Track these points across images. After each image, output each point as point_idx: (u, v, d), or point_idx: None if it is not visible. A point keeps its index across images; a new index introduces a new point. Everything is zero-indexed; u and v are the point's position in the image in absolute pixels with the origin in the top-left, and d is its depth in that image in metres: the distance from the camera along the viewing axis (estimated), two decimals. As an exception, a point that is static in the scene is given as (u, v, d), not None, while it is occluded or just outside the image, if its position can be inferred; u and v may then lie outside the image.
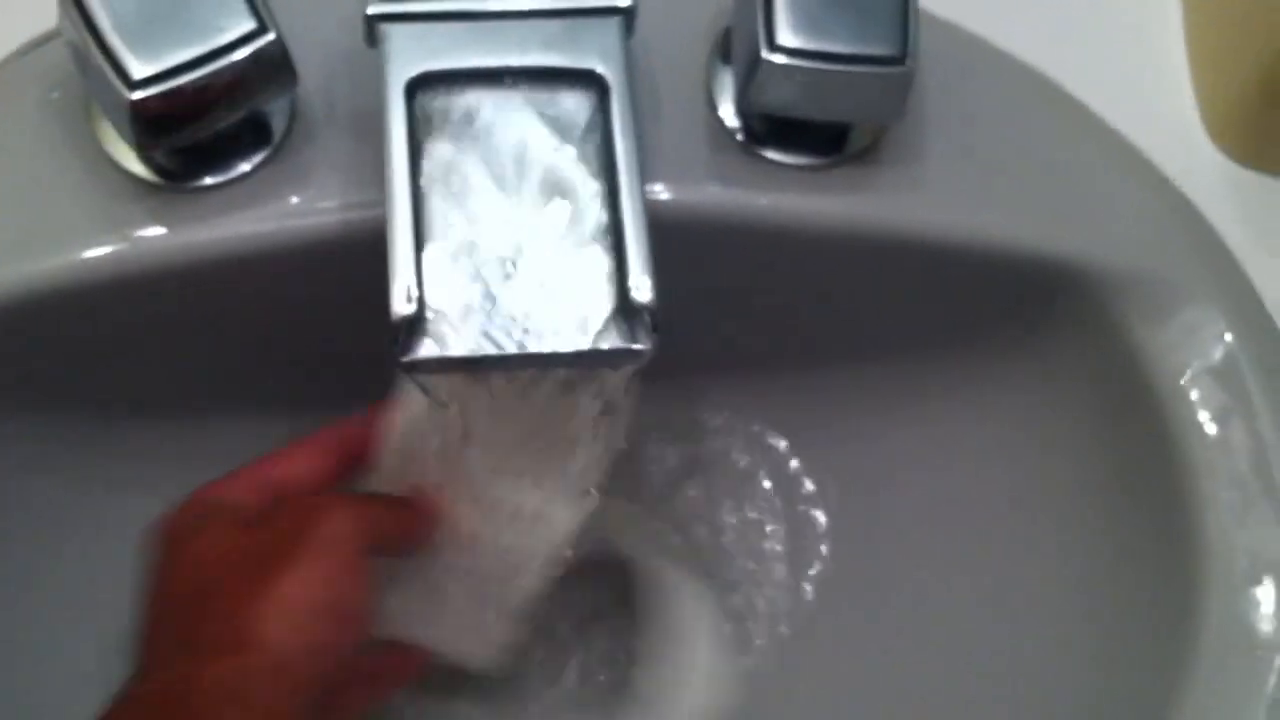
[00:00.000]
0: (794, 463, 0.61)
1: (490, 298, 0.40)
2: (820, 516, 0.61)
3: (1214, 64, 0.55)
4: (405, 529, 0.47)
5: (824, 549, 0.60)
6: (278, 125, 0.47)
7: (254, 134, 0.47)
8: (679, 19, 0.50)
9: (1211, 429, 0.49)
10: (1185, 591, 0.47)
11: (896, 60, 0.45)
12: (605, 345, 0.40)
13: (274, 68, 0.43)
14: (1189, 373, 0.49)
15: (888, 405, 0.58)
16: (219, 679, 0.39)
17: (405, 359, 0.39)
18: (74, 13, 0.42)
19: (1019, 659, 0.55)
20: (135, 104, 0.41)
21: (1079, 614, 0.54)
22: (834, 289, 0.53)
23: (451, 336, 0.40)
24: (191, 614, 0.42)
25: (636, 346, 0.40)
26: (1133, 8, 0.57)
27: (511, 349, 0.40)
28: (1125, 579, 0.52)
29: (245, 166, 0.47)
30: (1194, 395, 0.49)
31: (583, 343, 0.40)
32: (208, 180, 0.46)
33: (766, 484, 0.61)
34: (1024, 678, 0.54)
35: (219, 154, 0.46)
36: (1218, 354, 0.50)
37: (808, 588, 0.60)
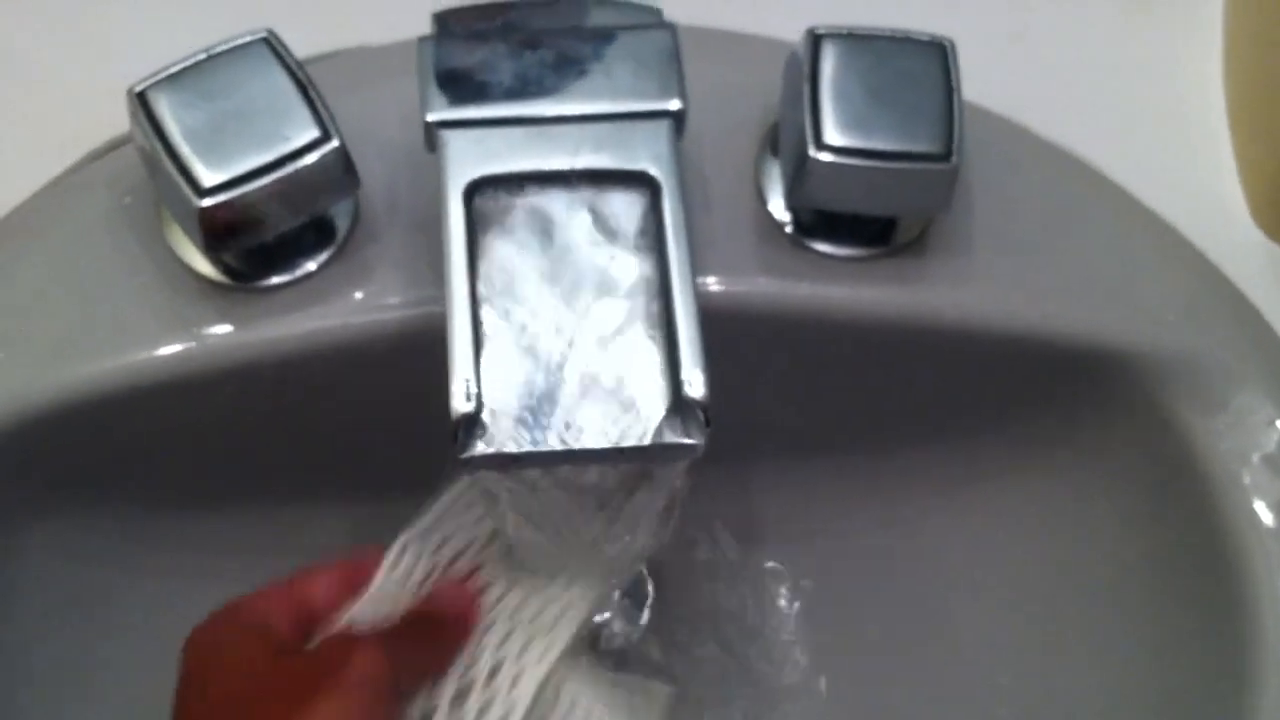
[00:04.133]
0: (831, 549, 0.61)
1: (546, 395, 0.41)
2: (857, 601, 0.61)
3: (1257, 148, 0.55)
4: (434, 661, 0.48)
5: (862, 634, 0.61)
6: (342, 225, 0.49)
7: (319, 234, 0.48)
8: (729, 115, 0.51)
9: (1266, 517, 0.49)
10: (1238, 684, 0.47)
11: (942, 157, 0.46)
12: (658, 441, 0.41)
13: (337, 173, 0.45)
14: (1240, 460, 0.49)
15: (930, 493, 0.59)
16: None
17: (463, 456, 0.40)
18: (145, 122, 0.44)
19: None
20: (204, 211, 0.43)
21: (1124, 707, 0.54)
22: (880, 378, 0.54)
23: (508, 434, 0.41)
24: None
25: (689, 441, 0.41)
26: (1176, 94, 0.57)
27: (566, 445, 0.41)
28: (1174, 672, 0.52)
29: (311, 265, 0.48)
30: (1246, 482, 0.49)
31: (637, 439, 0.41)
32: (274, 279, 0.48)
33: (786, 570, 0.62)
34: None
35: (285, 254, 0.48)
36: (1270, 440, 0.50)
37: (830, 675, 0.61)
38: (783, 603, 0.62)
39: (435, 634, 0.48)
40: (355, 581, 0.47)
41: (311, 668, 0.43)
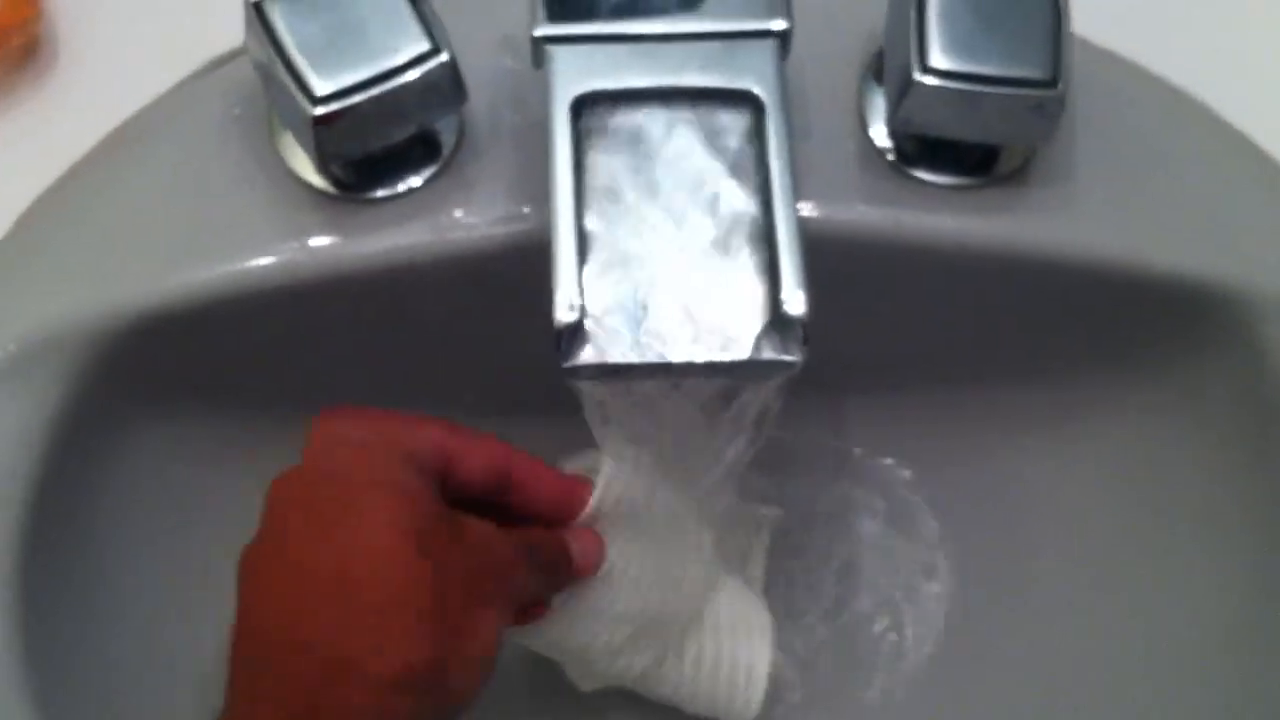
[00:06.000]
0: (924, 482, 0.61)
1: (647, 308, 0.42)
2: (949, 538, 0.61)
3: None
4: (539, 587, 0.46)
5: (952, 573, 0.61)
6: (447, 141, 0.49)
7: (424, 149, 0.49)
8: (832, 41, 0.51)
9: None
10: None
11: (1048, 83, 0.45)
12: (758, 357, 0.41)
13: (445, 87, 0.45)
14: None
15: (1026, 427, 0.58)
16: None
17: (566, 364, 0.41)
18: (261, 33, 0.45)
19: (1153, 686, 0.54)
20: (317, 118, 0.44)
21: (1217, 645, 0.53)
22: (978, 309, 0.54)
23: (610, 344, 0.41)
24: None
25: (788, 358, 0.41)
26: (1286, 32, 0.56)
27: (665, 358, 0.41)
28: (1269, 616, 0.51)
29: (415, 181, 0.49)
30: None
31: (736, 354, 0.41)
32: (379, 193, 0.49)
33: (885, 503, 0.62)
34: (1157, 706, 0.54)
35: (391, 168, 0.49)
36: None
37: (935, 609, 0.60)
38: (871, 537, 0.62)
39: (557, 566, 0.46)
40: (504, 472, 0.44)
41: (477, 559, 0.41)
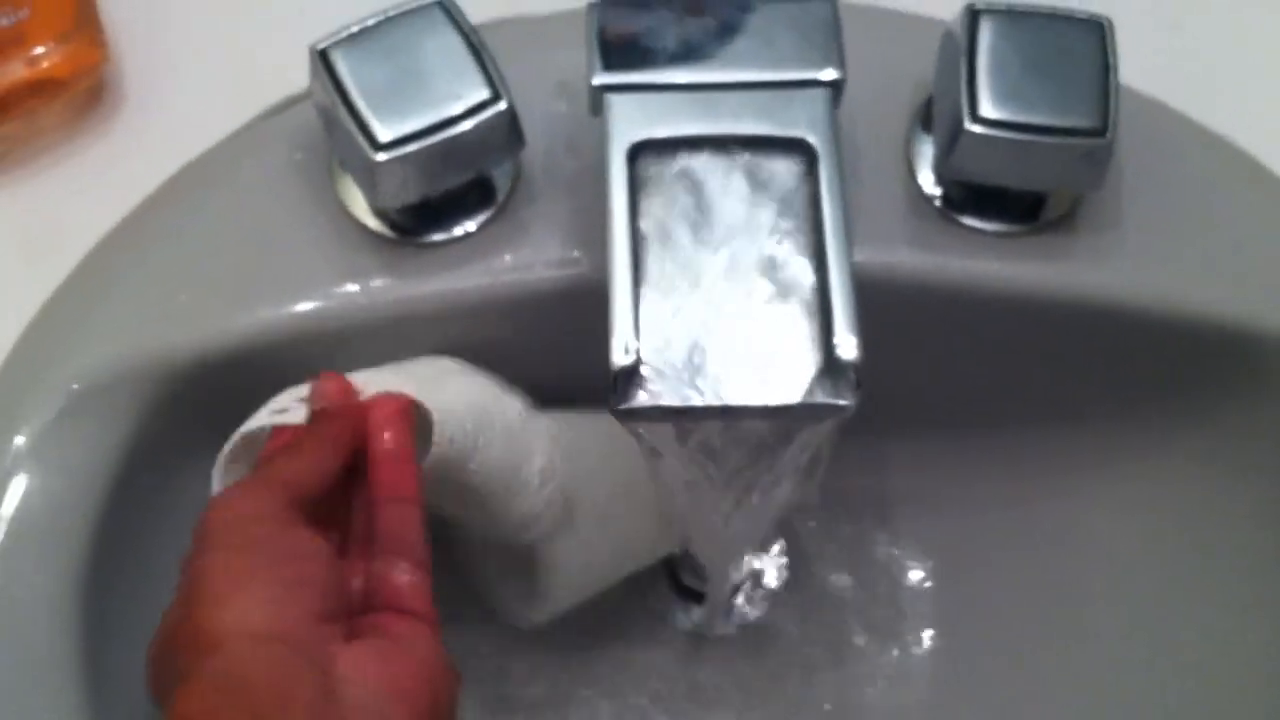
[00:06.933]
0: (964, 526, 0.62)
1: (702, 352, 0.42)
2: (986, 580, 0.61)
3: None
4: (323, 454, 0.44)
5: (990, 612, 0.61)
6: (502, 185, 0.50)
7: (480, 194, 0.50)
8: (882, 89, 0.52)
9: None
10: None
11: (1097, 132, 0.46)
12: (809, 400, 0.42)
13: (504, 134, 0.46)
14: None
15: (1071, 472, 0.59)
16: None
17: (622, 407, 0.42)
18: (326, 79, 0.46)
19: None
20: (380, 164, 0.45)
21: (1267, 696, 0.54)
22: (1024, 354, 0.54)
23: (665, 388, 0.42)
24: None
25: (840, 402, 0.42)
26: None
27: (720, 401, 0.42)
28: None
29: (471, 225, 0.50)
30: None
31: (789, 398, 0.42)
32: (436, 236, 0.50)
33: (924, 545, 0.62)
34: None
35: (447, 212, 0.50)
36: None
37: (956, 653, 0.61)
38: (911, 578, 0.62)
39: (313, 430, 0.44)
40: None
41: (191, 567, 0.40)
